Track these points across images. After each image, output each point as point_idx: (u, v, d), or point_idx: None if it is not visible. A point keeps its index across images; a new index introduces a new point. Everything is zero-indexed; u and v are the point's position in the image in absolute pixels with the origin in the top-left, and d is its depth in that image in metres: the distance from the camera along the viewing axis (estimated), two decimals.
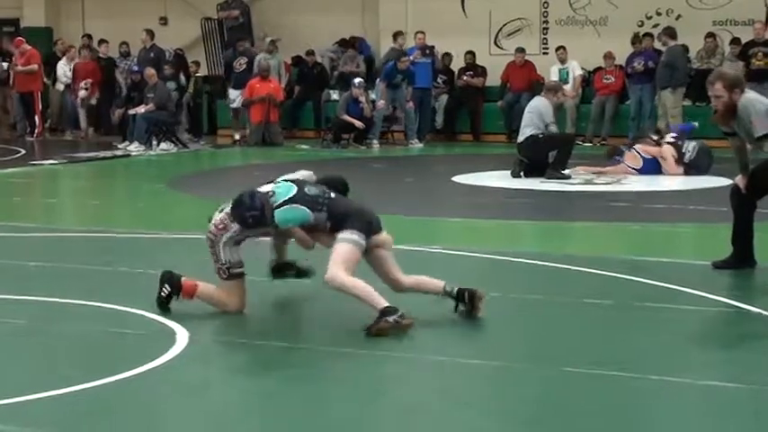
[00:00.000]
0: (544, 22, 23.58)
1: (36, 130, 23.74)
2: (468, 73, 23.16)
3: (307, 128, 23.63)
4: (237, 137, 22.68)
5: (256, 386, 6.30)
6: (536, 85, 21.01)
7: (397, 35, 22.29)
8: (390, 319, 6.93)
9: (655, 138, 16.96)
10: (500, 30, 23.69)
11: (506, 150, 18.81)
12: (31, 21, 26.94)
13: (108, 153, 20.55)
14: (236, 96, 22.96)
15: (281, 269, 8.11)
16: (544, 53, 23.24)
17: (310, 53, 23.74)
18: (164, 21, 25.60)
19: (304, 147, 21.74)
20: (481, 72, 23.13)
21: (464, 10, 23.85)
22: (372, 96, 21.95)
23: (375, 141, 21.69)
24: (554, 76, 21.32)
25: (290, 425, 5.56)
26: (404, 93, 21.85)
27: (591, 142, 21.23)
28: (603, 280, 8.82)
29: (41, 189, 16.89)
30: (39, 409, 5.67)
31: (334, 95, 22.76)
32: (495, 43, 23.80)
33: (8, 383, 6.09)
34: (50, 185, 17.35)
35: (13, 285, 8.47)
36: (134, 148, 20.86)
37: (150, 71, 21.74)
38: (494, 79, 23.08)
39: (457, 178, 16.29)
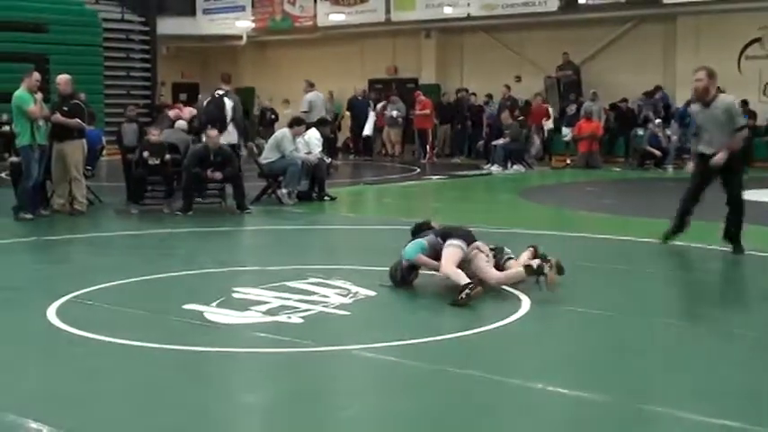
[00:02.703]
0: None
1: (427, 156, 24.55)
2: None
3: (619, 155, 23.31)
4: (568, 161, 22.67)
5: (578, 343, 6.23)
6: None
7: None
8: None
9: None
10: (767, 84, 22.64)
11: None
12: (426, 79, 27.78)
13: (476, 172, 20.98)
14: (567, 132, 23.03)
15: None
16: None
17: (623, 101, 23.46)
18: (518, 78, 25.80)
19: (616, 169, 21.43)
20: (751, 116, 22.08)
21: (739, 69, 22.90)
22: (668, 132, 21.53)
23: (669, 167, 21.16)
24: None
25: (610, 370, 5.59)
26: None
27: None
28: None
29: (429, 196, 17.27)
30: (433, 349, 5.91)
31: (640, 132, 22.31)
32: (764, 93, 22.75)
33: (412, 331, 6.41)
34: (435, 194, 17.63)
35: None
36: (495, 168, 21.21)
37: (505, 114, 22.07)
38: (761, 121, 22.21)
39: None
